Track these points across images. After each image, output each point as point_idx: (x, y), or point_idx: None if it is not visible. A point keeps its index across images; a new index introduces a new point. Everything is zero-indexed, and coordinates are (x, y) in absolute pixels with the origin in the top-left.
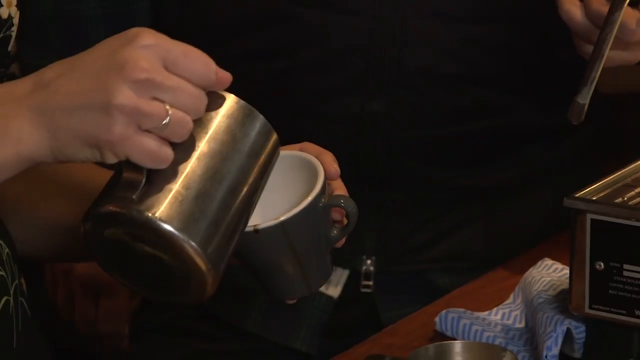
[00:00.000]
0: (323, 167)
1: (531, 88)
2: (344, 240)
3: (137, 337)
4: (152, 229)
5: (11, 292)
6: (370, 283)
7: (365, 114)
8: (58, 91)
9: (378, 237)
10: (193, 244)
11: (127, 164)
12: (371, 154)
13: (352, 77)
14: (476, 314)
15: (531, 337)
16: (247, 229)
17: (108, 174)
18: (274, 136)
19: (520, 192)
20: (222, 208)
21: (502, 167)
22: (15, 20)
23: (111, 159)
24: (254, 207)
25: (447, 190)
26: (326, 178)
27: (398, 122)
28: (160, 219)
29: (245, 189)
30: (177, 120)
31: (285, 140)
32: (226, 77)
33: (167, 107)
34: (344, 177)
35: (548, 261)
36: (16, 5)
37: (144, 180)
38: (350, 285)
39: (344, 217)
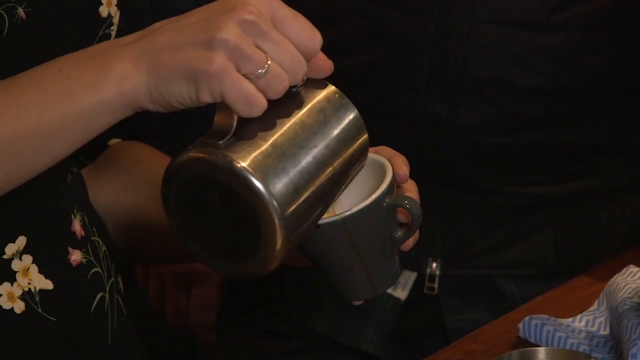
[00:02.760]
0: (393, 169)
1: (608, 101)
2: (410, 243)
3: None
4: (233, 175)
5: (107, 288)
6: (435, 285)
7: (428, 115)
8: (164, 33)
9: (444, 239)
10: (271, 196)
11: (219, 111)
12: (434, 156)
13: (416, 77)
14: (560, 320)
15: (616, 345)
16: None
17: None
18: (365, 134)
19: (596, 202)
20: (305, 176)
21: (572, 177)
22: (115, 20)
23: (206, 96)
24: (335, 197)
25: (513, 196)
26: (394, 179)
27: (462, 126)
28: (243, 167)
29: (329, 170)
30: (274, 74)
31: None
32: (329, 65)
33: (268, 58)
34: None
35: (633, 268)
36: (116, 5)
37: (233, 127)
38: (417, 289)
39: (410, 219)
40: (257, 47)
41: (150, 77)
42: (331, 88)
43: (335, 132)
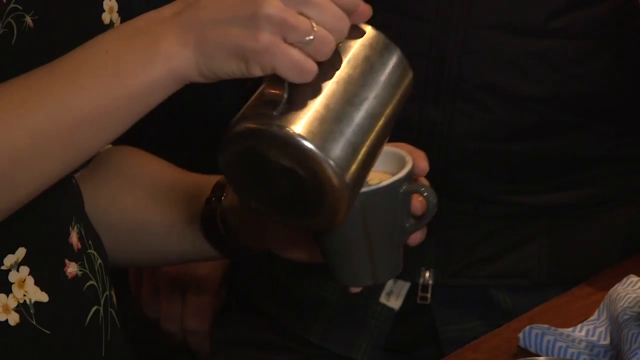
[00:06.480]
0: (413, 161)
1: (604, 111)
2: (418, 237)
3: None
4: (292, 145)
5: (101, 302)
6: (428, 295)
7: (422, 120)
8: (205, 7)
9: (437, 249)
10: (332, 162)
11: (269, 81)
12: (428, 162)
13: None
14: (560, 330)
15: (616, 354)
16: None
17: (197, 178)
18: (410, 73)
19: (590, 212)
20: (360, 132)
21: (566, 186)
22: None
23: (257, 71)
24: (385, 141)
25: (507, 206)
26: (413, 170)
27: (455, 133)
28: (301, 135)
29: (381, 119)
30: (321, 38)
31: None
32: (367, 9)
33: (313, 24)
34: None
35: (634, 277)
36: (117, 12)
37: (285, 95)
38: (411, 299)
39: (423, 211)
40: (300, 14)
41: (198, 55)
42: (372, 32)
43: (383, 79)
